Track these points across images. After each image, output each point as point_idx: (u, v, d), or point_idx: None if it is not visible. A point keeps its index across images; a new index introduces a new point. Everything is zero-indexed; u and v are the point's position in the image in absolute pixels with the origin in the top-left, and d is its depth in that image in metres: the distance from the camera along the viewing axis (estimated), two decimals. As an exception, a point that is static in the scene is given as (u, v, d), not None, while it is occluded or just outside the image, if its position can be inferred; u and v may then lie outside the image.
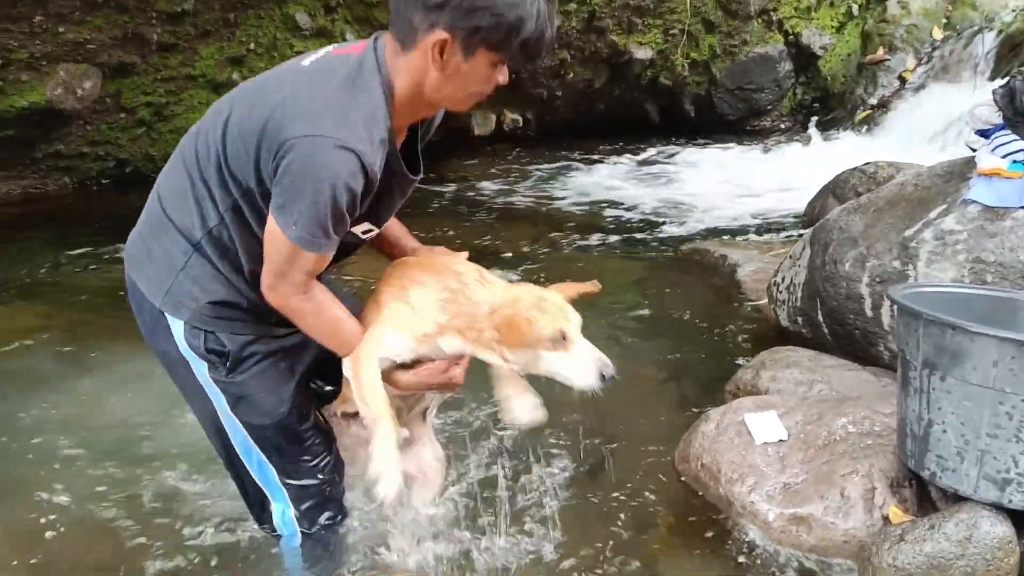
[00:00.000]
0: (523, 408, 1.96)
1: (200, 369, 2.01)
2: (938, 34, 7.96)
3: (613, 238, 5.41)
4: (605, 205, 6.24)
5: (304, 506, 2.16)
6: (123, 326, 3.91)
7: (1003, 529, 2.07)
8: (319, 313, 1.95)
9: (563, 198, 6.44)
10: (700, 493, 2.55)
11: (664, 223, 5.71)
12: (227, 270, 1.95)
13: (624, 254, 5.11)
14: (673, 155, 7.64)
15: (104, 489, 2.69)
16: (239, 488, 2.23)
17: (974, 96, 6.37)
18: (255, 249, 1.89)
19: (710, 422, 2.66)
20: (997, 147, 2.86)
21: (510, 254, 4.97)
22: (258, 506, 2.21)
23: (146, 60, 6.13)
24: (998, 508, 2.11)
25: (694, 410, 3.00)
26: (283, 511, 2.17)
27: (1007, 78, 2.97)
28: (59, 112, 5.90)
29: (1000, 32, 7.40)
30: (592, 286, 2.08)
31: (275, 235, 1.80)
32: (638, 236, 5.45)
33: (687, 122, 8.30)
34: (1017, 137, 2.83)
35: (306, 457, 2.12)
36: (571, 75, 7.64)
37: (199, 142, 1.93)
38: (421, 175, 2.00)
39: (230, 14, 6.17)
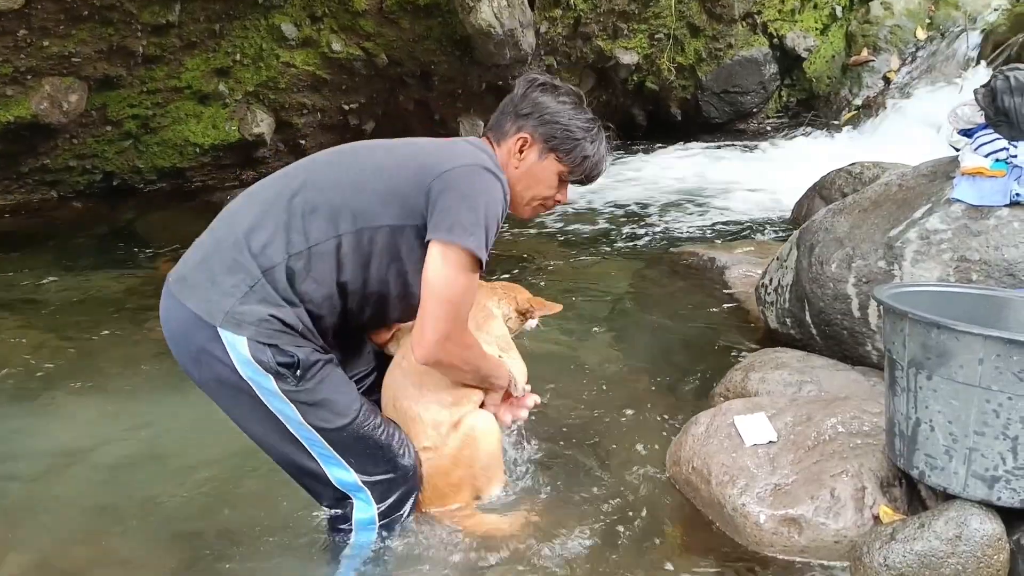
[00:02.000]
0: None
1: (266, 384, 2.03)
2: (921, 34, 8.03)
3: (599, 241, 5.43)
4: (591, 208, 6.25)
5: (390, 500, 2.21)
6: (114, 343, 3.95)
7: (992, 526, 2.08)
8: (477, 344, 2.22)
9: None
10: (691, 496, 2.55)
11: (651, 226, 5.72)
12: (291, 298, 2.04)
13: (611, 258, 5.12)
14: (659, 158, 7.66)
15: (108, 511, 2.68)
16: (312, 493, 2.26)
17: (958, 95, 6.43)
18: (329, 284, 2.07)
19: (700, 425, 2.67)
20: (980, 146, 2.88)
21: (497, 261, 4.97)
22: (334, 503, 2.25)
23: (132, 72, 6.11)
24: (987, 505, 2.11)
25: (685, 412, 3.00)
26: (364, 509, 2.20)
27: (989, 77, 2.98)
28: (45, 126, 5.88)
29: (983, 31, 7.46)
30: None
31: (448, 264, 2.01)
32: (625, 240, 5.46)
33: (674, 126, 8.33)
34: (999, 136, 2.84)
35: (382, 449, 2.18)
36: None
37: (305, 190, 2.09)
38: None
39: (215, 25, 6.17)
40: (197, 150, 6.81)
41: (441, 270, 2.02)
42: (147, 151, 6.74)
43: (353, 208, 2.06)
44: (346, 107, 7.15)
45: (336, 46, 6.61)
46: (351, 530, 2.23)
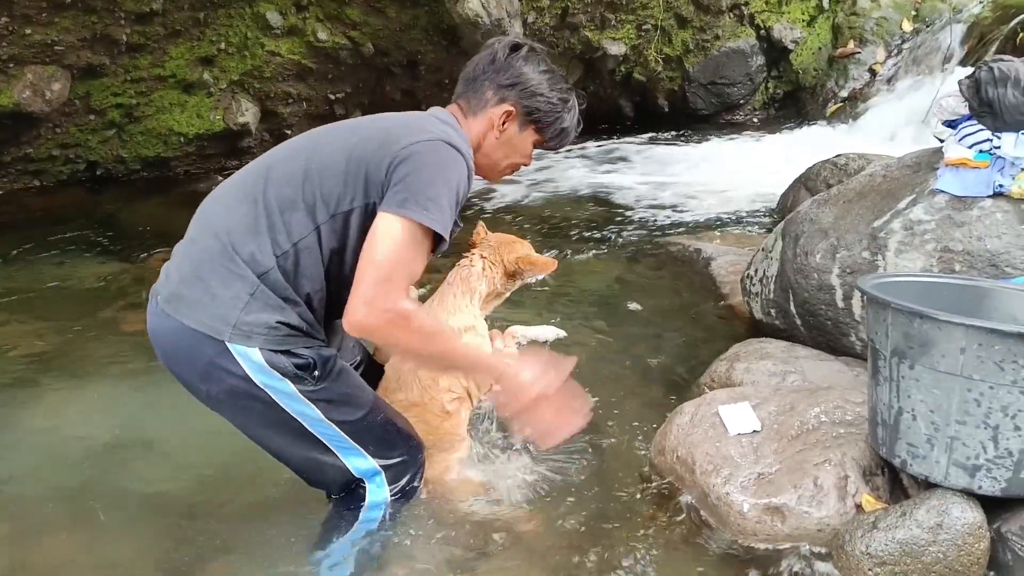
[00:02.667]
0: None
1: (284, 389, 2.04)
2: (907, 26, 8.04)
3: (586, 233, 5.41)
4: (577, 200, 6.25)
5: (402, 481, 2.26)
6: (96, 334, 3.93)
7: (973, 515, 2.10)
8: (428, 319, 2.12)
9: (535, 194, 6.44)
10: (675, 485, 2.56)
11: (638, 217, 5.72)
12: (291, 297, 2.04)
13: (598, 249, 5.11)
14: (645, 150, 7.66)
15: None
16: (319, 485, 2.30)
17: (943, 87, 6.45)
18: (318, 277, 2.07)
19: (684, 415, 2.67)
20: (963, 137, 2.89)
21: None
22: (341, 489, 2.28)
23: (115, 61, 6.06)
24: (968, 494, 2.13)
25: (669, 402, 3.01)
26: (378, 492, 2.25)
27: (973, 69, 2.99)
28: (27, 115, 5.83)
29: (969, 23, 7.48)
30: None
31: (388, 233, 1.95)
32: (611, 231, 5.45)
33: (661, 117, 8.32)
34: (983, 127, 2.85)
35: (399, 433, 2.25)
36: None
37: (273, 182, 2.07)
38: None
39: (200, 13, 6.12)
40: (182, 139, 6.76)
41: (381, 238, 1.95)
42: (131, 140, 6.70)
43: (324, 196, 2.04)
44: (332, 96, 7.12)
45: (322, 35, 6.58)
46: (358, 510, 2.26)
